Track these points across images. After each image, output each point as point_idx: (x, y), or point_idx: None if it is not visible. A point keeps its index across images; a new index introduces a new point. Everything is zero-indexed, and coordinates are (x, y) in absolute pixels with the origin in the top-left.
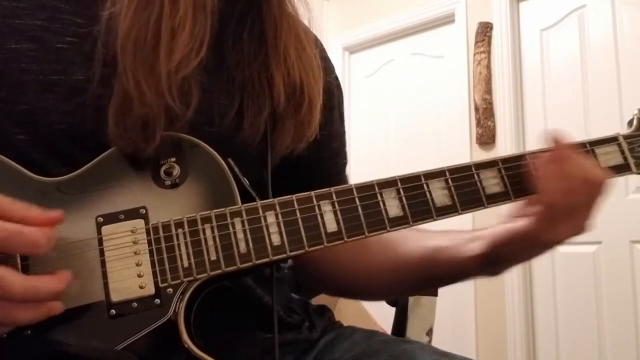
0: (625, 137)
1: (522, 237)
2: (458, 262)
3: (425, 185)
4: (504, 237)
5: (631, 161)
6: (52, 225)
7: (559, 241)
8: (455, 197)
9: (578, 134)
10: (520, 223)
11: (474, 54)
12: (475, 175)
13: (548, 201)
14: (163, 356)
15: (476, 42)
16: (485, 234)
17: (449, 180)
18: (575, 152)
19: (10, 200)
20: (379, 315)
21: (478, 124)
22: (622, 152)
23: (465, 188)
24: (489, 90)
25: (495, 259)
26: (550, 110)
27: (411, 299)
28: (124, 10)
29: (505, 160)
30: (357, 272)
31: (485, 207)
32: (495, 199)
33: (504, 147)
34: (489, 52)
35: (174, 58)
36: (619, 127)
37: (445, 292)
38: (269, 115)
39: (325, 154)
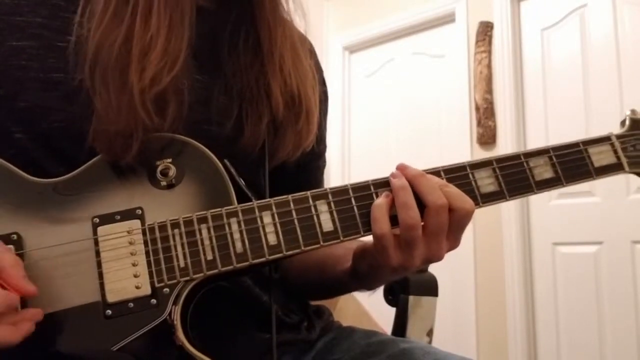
0: (618, 136)
1: (371, 257)
2: (336, 273)
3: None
4: (359, 253)
5: (624, 160)
6: (22, 295)
7: (401, 268)
8: None
9: (579, 134)
10: (370, 244)
11: (475, 54)
12: (470, 175)
13: (375, 234)
14: (159, 356)
15: (477, 42)
16: (354, 248)
17: (444, 180)
18: (430, 180)
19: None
20: (379, 315)
21: (479, 123)
22: (615, 151)
23: (464, 187)
24: (489, 89)
25: (356, 274)
26: (551, 110)
27: (411, 299)
28: (93, 29)
29: (500, 159)
30: (284, 272)
31: (480, 207)
32: (489, 199)
33: (505, 146)
34: (489, 52)
35: (146, 75)
36: (620, 127)
37: (446, 293)
38: (269, 123)
39: (312, 157)
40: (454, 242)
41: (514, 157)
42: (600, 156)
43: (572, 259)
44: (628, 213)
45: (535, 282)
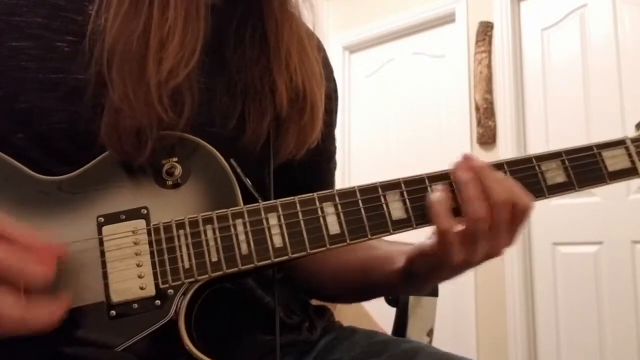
0: (633, 140)
1: (431, 256)
2: (386, 274)
3: (429, 188)
4: (416, 254)
5: (639, 165)
6: (54, 260)
7: (462, 266)
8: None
9: (579, 134)
10: (430, 242)
11: (475, 54)
12: None
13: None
14: (163, 357)
15: (477, 42)
16: (406, 249)
17: (452, 183)
18: (494, 173)
19: (18, 226)
20: (379, 315)
21: (479, 123)
22: (630, 155)
23: None
24: (489, 89)
25: (412, 275)
26: (551, 110)
27: (411, 299)
28: (111, 20)
29: (512, 162)
30: (307, 274)
31: None
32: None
33: (505, 147)
34: (489, 52)
35: (164, 68)
36: (620, 127)
37: (446, 293)
38: (272, 120)
39: (322, 157)
40: (511, 239)
41: (526, 160)
42: (614, 160)
43: (572, 259)
44: (628, 213)
45: (535, 282)
